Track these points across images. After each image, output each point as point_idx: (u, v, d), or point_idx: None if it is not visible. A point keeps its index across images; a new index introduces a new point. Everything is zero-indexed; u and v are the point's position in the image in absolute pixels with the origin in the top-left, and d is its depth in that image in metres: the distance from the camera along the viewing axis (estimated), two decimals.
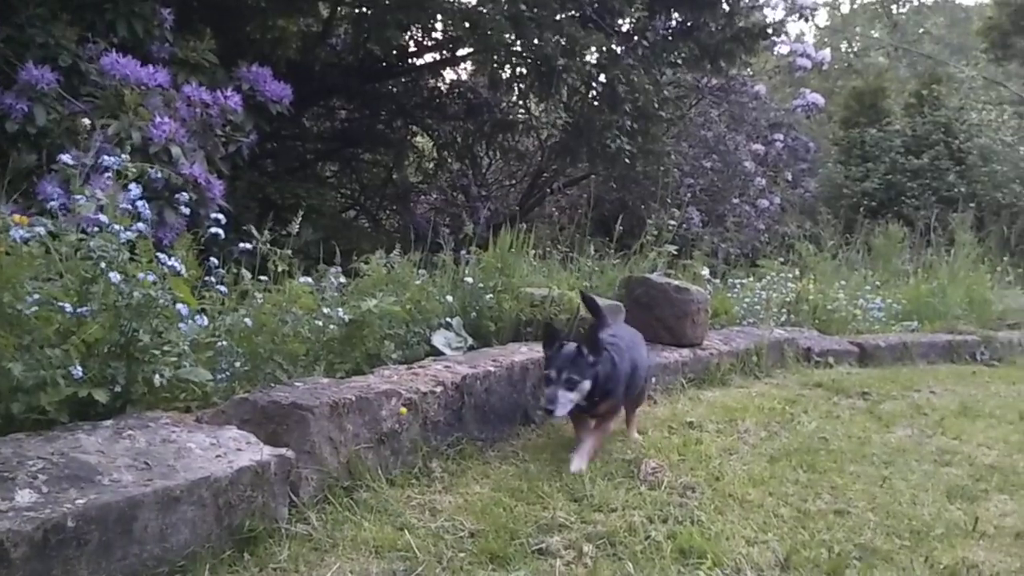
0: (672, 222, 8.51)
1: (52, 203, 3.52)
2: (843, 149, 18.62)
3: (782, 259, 9.66)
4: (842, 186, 17.34)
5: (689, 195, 11.14)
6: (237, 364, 3.43)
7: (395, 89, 11.25)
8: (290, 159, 10.18)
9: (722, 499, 3.49)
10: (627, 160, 9.83)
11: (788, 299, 7.92)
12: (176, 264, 3.02)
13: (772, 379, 6.10)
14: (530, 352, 4.39)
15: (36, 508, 2.18)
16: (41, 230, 2.98)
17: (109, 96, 5.74)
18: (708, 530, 3.15)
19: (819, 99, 14.14)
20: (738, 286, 8.18)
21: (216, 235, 3.36)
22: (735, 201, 12.24)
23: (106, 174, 4.38)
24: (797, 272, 8.73)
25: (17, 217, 2.89)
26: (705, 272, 7.70)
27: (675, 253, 7.78)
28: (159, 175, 3.84)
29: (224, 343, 3.59)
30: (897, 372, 6.89)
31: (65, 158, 4.17)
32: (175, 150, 5.49)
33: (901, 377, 6.62)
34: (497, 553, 2.84)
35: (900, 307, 9.17)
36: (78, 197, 3.34)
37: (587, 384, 3.62)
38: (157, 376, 3.02)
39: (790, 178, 14.30)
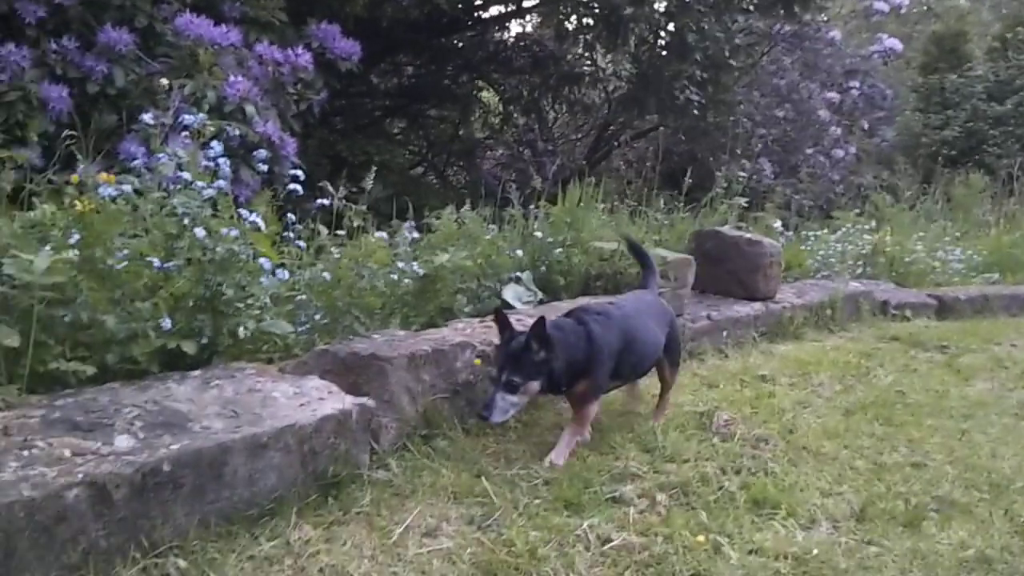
0: (743, 174, 8.38)
1: (135, 162, 3.65)
2: (922, 96, 17.94)
3: (858, 210, 9.44)
4: (920, 134, 16.76)
5: (761, 146, 10.91)
6: (317, 317, 3.52)
7: (461, 44, 11.21)
8: (359, 116, 10.25)
9: (796, 451, 3.48)
10: (696, 111, 9.66)
11: (864, 251, 7.75)
12: (257, 220, 3.10)
13: (847, 333, 6.00)
14: None
15: (134, 452, 2.30)
16: (128, 188, 3.08)
17: (184, 56, 5.85)
18: (782, 481, 3.16)
19: (897, 44, 13.61)
20: (812, 238, 8.03)
21: (294, 191, 3.43)
22: (808, 151, 11.91)
23: (184, 133, 4.50)
24: (873, 224, 8.52)
25: (104, 175, 2.99)
26: (777, 224, 7.57)
27: (746, 206, 7.66)
28: (237, 133, 3.91)
29: (302, 297, 3.69)
30: (977, 325, 6.71)
31: (146, 118, 4.30)
32: (249, 109, 5.58)
33: (981, 330, 6.45)
34: (571, 500, 2.89)
35: (980, 259, 8.89)
36: (160, 156, 3.45)
37: (535, 385, 3.13)
38: (241, 328, 3.12)
39: (866, 127, 13.84)
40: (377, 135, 10.38)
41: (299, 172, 3.42)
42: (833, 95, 12.79)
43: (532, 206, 5.26)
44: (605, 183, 6.20)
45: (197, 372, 2.95)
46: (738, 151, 9.35)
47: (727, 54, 9.74)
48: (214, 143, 3.30)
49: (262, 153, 3.59)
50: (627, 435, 3.51)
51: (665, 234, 5.87)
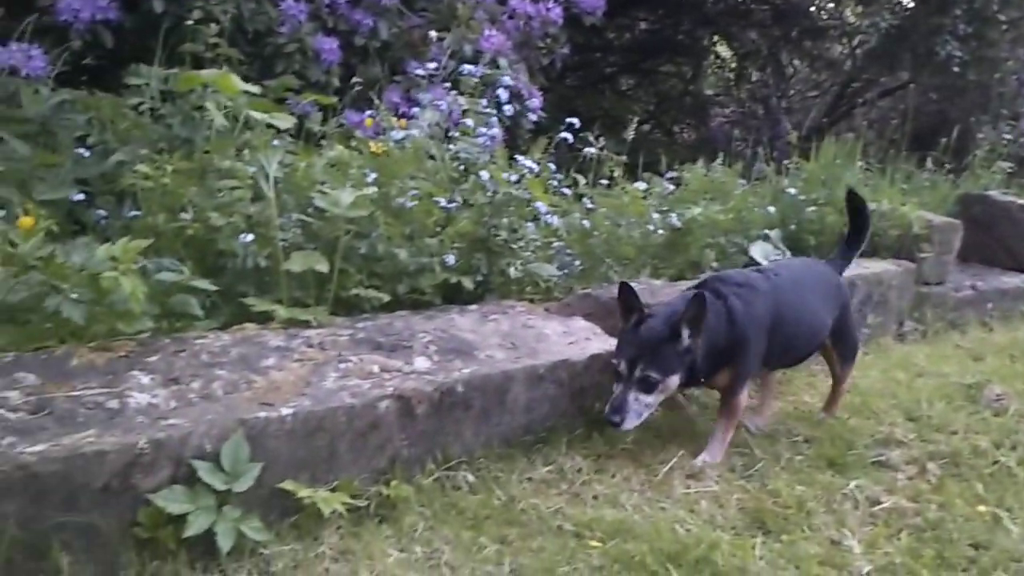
0: (1008, 136, 7.70)
1: (412, 110, 3.89)
2: None
3: None
4: None
5: None
6: (577, 263, 3.64)
7: None
8: (593, 72, 10.31)
9: None
10: (956, 68, 8.92)
11: None
12: (534, 165, 3.24)
13: None
14: (857, 268, 4.22)
15: (432, 373, 2.50)
16: (415, 132, 3.30)
17: (443, 9, 6.13)
18: None
19: None
20: None
21: (565, 140, 3.54)
22: None
23: (445, 83, 4.73)
24: None
25: (400, 120, 3.22)
26: None
27: (1011, 171, 7.05)
28: (510, 82, 4.07)
29: (560, 243, 3.81)
30: None
31: (418, 70, 4.57)
32: (502, 62, 5.77)
33: None
34: (835, 460, 2.85)
35: None
36: (439, 103, 3.66)
37: (675, 380, 2.63)
38: (512, 268, 3.29)
39: None
40: (609, 91, 10.40)
41: (575, 120, 3.52)
42: None
43: (784, 162, 5.11)
44: (863, 139, 5.88)
45: (474, 306, 3.15)
46: (1004, 111, 8.55)
47: (995, 7, 8.92)
48: (503, 92, 3.46)
49: (535, 102, 3.72)
50: (890, 402, 3.39)
51: (926, 196, 5.52)
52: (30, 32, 3.81)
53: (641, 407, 2.60)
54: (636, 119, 4.15)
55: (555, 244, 3.77)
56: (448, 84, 4.56)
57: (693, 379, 2.71)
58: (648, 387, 2.59)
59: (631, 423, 2.59)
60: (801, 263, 3.39)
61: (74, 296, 2.21)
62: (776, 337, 2.85)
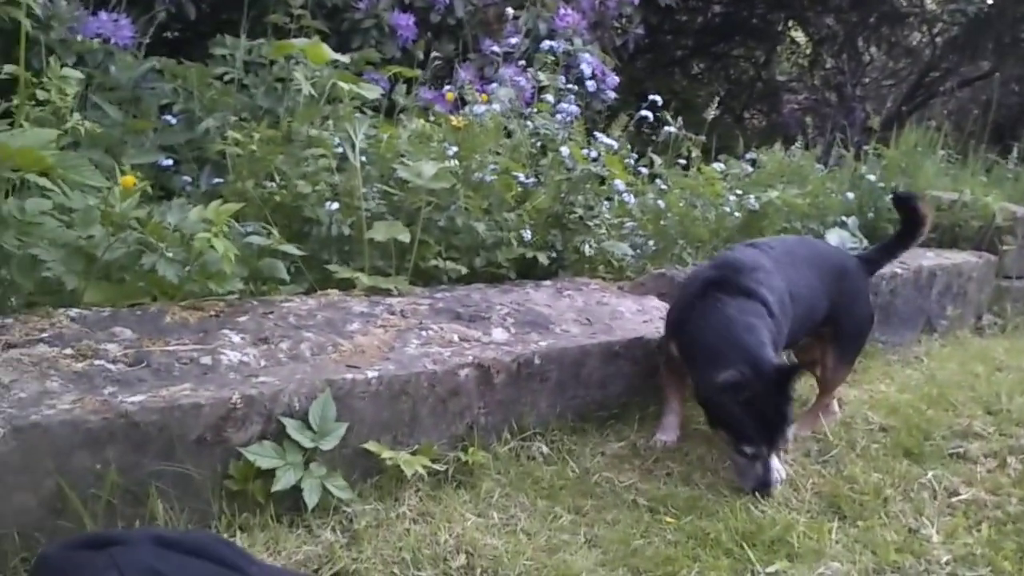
0: None
1: (481, 88, 3.91)
2: None
3: None
4: None
5: None
6: (650, 243, 3.63)
7: None
8: (664, 54, 10.21)
9: None
10: None
11: None
12: (613, 143, 3.23)
13: None
14: (937, 258, 4.15)
15: (510, 344, 2.53)
16: (496, 107, 3.32)
17: None
18: None
19: None
20: None
21: (645, 118, 3.53)
22: None
23: (520, 61, 4.73)
24: None
25: (482, 95, 3.24)
26: None
27: None
28: (590, 59, 4.06)
29: (633, 222, 3.79)
30: None
31: (494, 48, 4.58)
32: (577, 41, 5.75)
33: None
34: (911, 450, 2.81)
35: None
36: (520, 79, 3.67)
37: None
38: (586, 246, 3.29)
39: None
40: (680, 74, 10.28)
41: (658, 98, 3.50)
42: None
43: (864, 147, 5.01)
44: (945, 127, 5.73)
45: (548, 282, 3.16)
46: None
47: None
48: (586, 67, 3.46)
49: (613, 80, 3.70)
50: (968, 394, 3.32)
51: (1009, 188, 5.36)
52: (117, 3, 3.92)
53: (780, 463, 2.45)
54: (716, 99, 4.05)
55: (628, 223, 3.76)
56: (523, 63, 4.57)
57: None
58: (784, 446, 2.48)
59: (779, 483, 2.41)
60: (796, 239, 3.22)
61: (169, 255, 2.28)
62: (782, 315, 2.59)
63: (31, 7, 2.40)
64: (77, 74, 2.57)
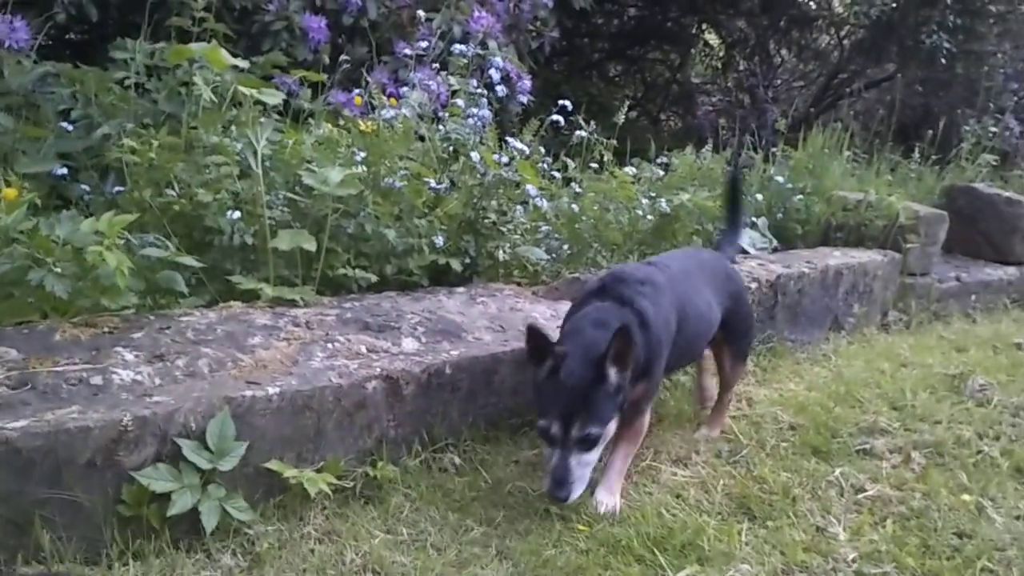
0: (993, 130, 7.74)
1: (395, 91, 3.85)
2: None
3: None
4: None
5: (1013, 102, 9.97)
6: (565, 247, 3.62)
7: None
8: (580, 58, 10.27)
9: None
10: (944, 60, 8.96)
11: None
12: (525, 148, 3.21)
13: None
14: (843, 257, 4.25)
15: (420, 354, 2.49)
16: (406, 111, 3.27)
17: None
18: None
19: None
20: None
21: (556, 122, 3.52)
22: None
23: (433, 64, 4.68)
24: None
25: (390, 99, 3.19)
26: None
27: (995, 164, 7.10)
28: (501, 64, 4.04)
29: (547, 226, 3.79)
30: None
31: (406, 51, 4.52)
32: (491, 44, 5.73)
33: None
34: (819, 448, 2.86)
35: None
36: (429, 84, 3.63)
37: (613, 427, 2.26)
38: (500, 251, 3.27)
39: None
40: (596, 77, 10.36)
41: (568, 103, 3.50)
42: None
43: (772, 150, 5.11)
44: (851, 129, 5.90)
45: (462, 288, 3.13)
46: (991, 105, 8.60)
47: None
48: (495, 73, 3.44)
49: (525, 84, 3.69)
50: (874, 391, 3.41)
51: (912, 187, 5.54)
52: (12, 3, 3.74)
53: (585, 470, 2.21)
54: (626, 104, 4.08)
55: (543, 228, 3.75)
56: (436, 66, 4.53)
57: (623, 408, 2.31)
58: (589, 445, 2.20)
59: (578, 492, 2.19)
60: (685, 252, 3.15)
61: (58, 270, 2.17)
62: (679, 337, 2.52)
63: None
64: None
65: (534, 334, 2.22)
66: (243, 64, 2.86)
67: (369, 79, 4.96)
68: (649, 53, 11.81)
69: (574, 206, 3.68)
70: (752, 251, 4.46)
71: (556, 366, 2.20)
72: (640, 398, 2.40)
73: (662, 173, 4.25)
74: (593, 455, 2.23)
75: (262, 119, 3.05)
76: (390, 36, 5.80)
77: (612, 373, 2.20)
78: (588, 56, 10.80)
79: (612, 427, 2.26)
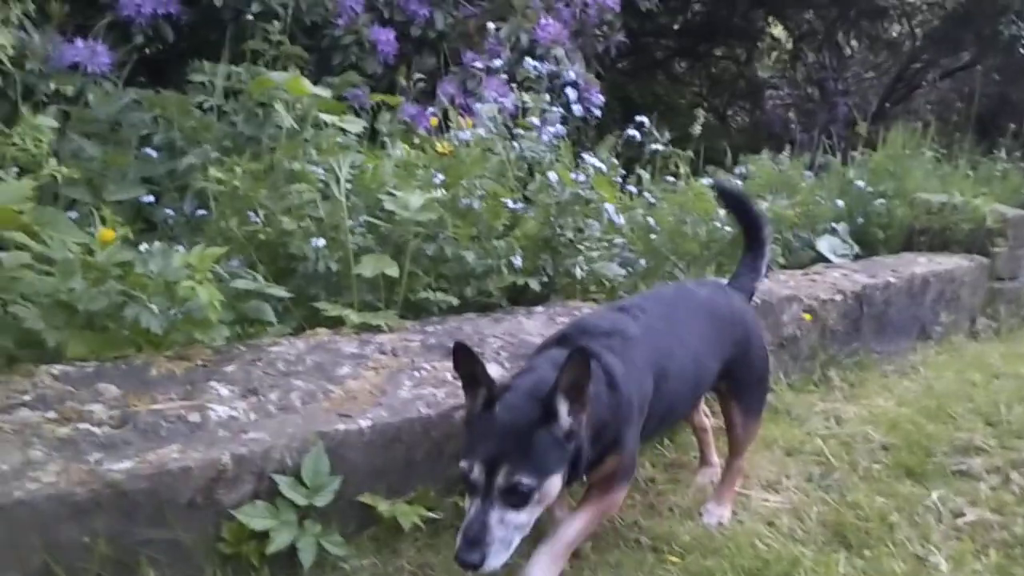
0: None
1: (464, 102, 3.84)
2: None
3: None
4: None
5: None
6: (641, 261, 3.58)
7: None
8: (645, 57, 10.17)
9: None
10: (1022, 49, 8.65)
11: None
12: (602, 165, 3.18)
13: None
14: (930, 264, 4.13)
15: (504, 380, 2.47)
16: (482, 131, 3.27)
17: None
18: None
19: None
20: None
21: (632, 137, 3.48)
22: None
23: (502, 75, 4.67)
24: None
25: (467, 121, 3.19)
26: None
27: None
28: (573, 78, 4.02)
29: (622, 240, 3.75)
30: None
31: (477, 64, 4.52)
32: (559, 51, 5.70)
33: None
34: (914, 469, 2.78)
35: None
36: (502, 101, 3.62)
37: (555, 483, 1.78)
38: (577, 269, 3.24)
39: None
40: (663, 76, 10.25)
41: (645, 119, 3.46)
42: None
43: (851, 153, 4.99)
44: (928, 124, 5.72)
45: (541, 308, 3.11)
46: None
47: None
48: (568, 91, 3.41)
49: (598, 98, 3.66)
50: (967, 405, 3.30)
51: (996, 187, 5.35)
52: (95, 29, 3.85)
53: (509, 533, 1.72)
54: (702, 112, 4.02)
55: (617, 241, 3.71)
56: (505, 76, 4.52)
57: (576, 475, 1.87)
58: (518, 500, 1.72)
59: (496, 561, 1.70)
60: (676, 290, 2.61)
61: (152, 306, 2.22)
62: (657, 398, 2.09)
63: (3, 47, 2.31)
64: (51, 122, 2.50)
65: (462, 353, 1.81)
66: (325, 92, 2.89)
67: (441, 92, 4.98)
68: (715, 49, 11.64)
69: (649, 219, 3.63)
70: (833, 258, 4.36)
71: (491, 397, 1.80)
72: (612, 475, 1.99)
73: (740, 184, 4.17)
74: (523, 516, 1.74)
75: (338, 140, 3.09)
76: (457, 47, 5.82)
77: (562, 411, 1.76)
78: (652, 55, 10.69)
79: (555, 486, 1.78)
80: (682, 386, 2.22)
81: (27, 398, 2.01)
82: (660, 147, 3.73)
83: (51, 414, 1.94)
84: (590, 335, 2.05)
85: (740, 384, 2.42)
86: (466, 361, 1.82)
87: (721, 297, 2.47)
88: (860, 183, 4.55)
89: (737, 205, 2.70)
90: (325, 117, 2.77)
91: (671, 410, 2.23)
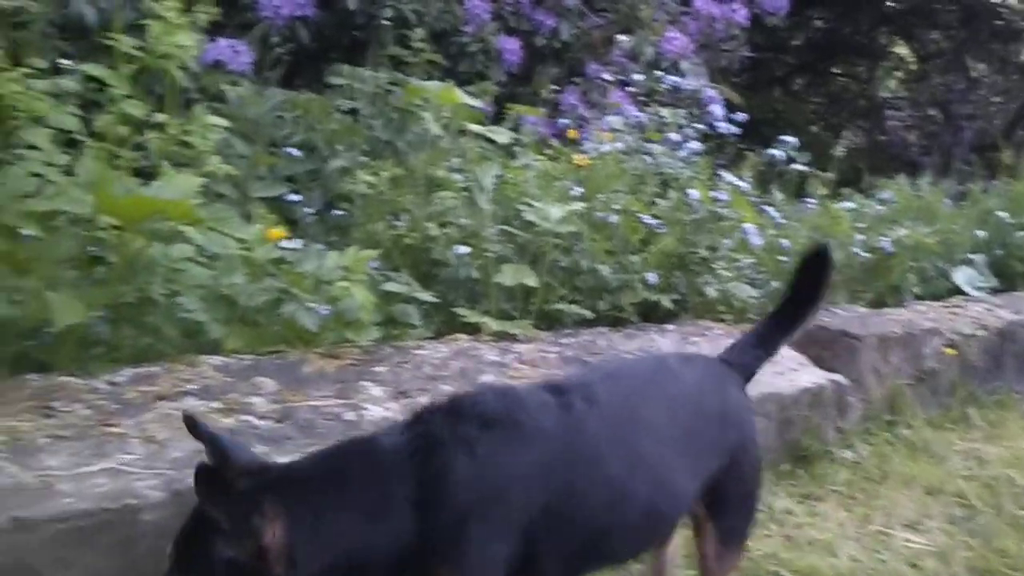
0: None
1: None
2: None
3: None
4: None
5: None
6: (772, 283, 3.51)
7: None
8: (765, 72, 10.00)
9: None
10: None
11: None
12: (742, 184, 3.14)
13: None
14: None
15: None
16: (620, 144, 3.26)
17: (624, 10, 6.05)
18: None
19: None
20: None
21: (773, 156, 3.42)
22: None
23: (627, 87, 4.65)
24: None
25: (606, 134, 3.19)
26: None
27: None
28: (715, 95, 3.98)
29: (750, 260, 3.67)
30: None
31: (603, 75, 4.52)
32: (684, 65, 5.65)
33: None
34: None
35: None
36: (638, 116, 3.61)
37: None
38: (710, 288, 3.20)
39: None
40: (780, 92, 10.07)
41: (790, 139, 3.40)
42: None
43: (992, 179, 4.79)
44: None
45: (672, 326, 3.08)
46: None
47: None
48: (714, 108, 3.38)
49: (719, 111, 3.60)
50: None
51: None
52: (230, 27, 3.98)
53: None
54: (845, 136, 3.93)
55: (745, 262, 3.65)
56: (632, 89, 4.50)
57: None
58: None
59: None
60: (653, 366, 1.85)
61: (310, 305, 2.29)
62: (563, 528, 1.44)
63: (182, 61, 2.42)
64: (221, 121, 2.60)
65: (192, 426, 1.43)
66: (476, 103, 2.93)
67: (567, 102, 5.00)
68: (835, 66, 11.36)
69: (784, 241, 3.55)
70: (970, 290, 4.18)
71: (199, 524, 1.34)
72: None
73: (882, 209, 4.03)
74: None
75: (479, 147, 3.13)
76: (581, 57, 5.82)
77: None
78: (772, 70, 10.50)
79: None
80: (619, 511, 1.52)
81: (192, 387, 2.09)
82: (801, 167, 3.64)
83: (216, 404, 2.02)
84: (460, 418, 1.42)
85: (722, 502, 1.71)
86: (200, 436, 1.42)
87: (712, 384, 1.76)
88: (1001, 214, 4.36)
89: (817, 267, 1.90)
90: (473, 127, 2.81)
91: (596, 544, 1.52)
